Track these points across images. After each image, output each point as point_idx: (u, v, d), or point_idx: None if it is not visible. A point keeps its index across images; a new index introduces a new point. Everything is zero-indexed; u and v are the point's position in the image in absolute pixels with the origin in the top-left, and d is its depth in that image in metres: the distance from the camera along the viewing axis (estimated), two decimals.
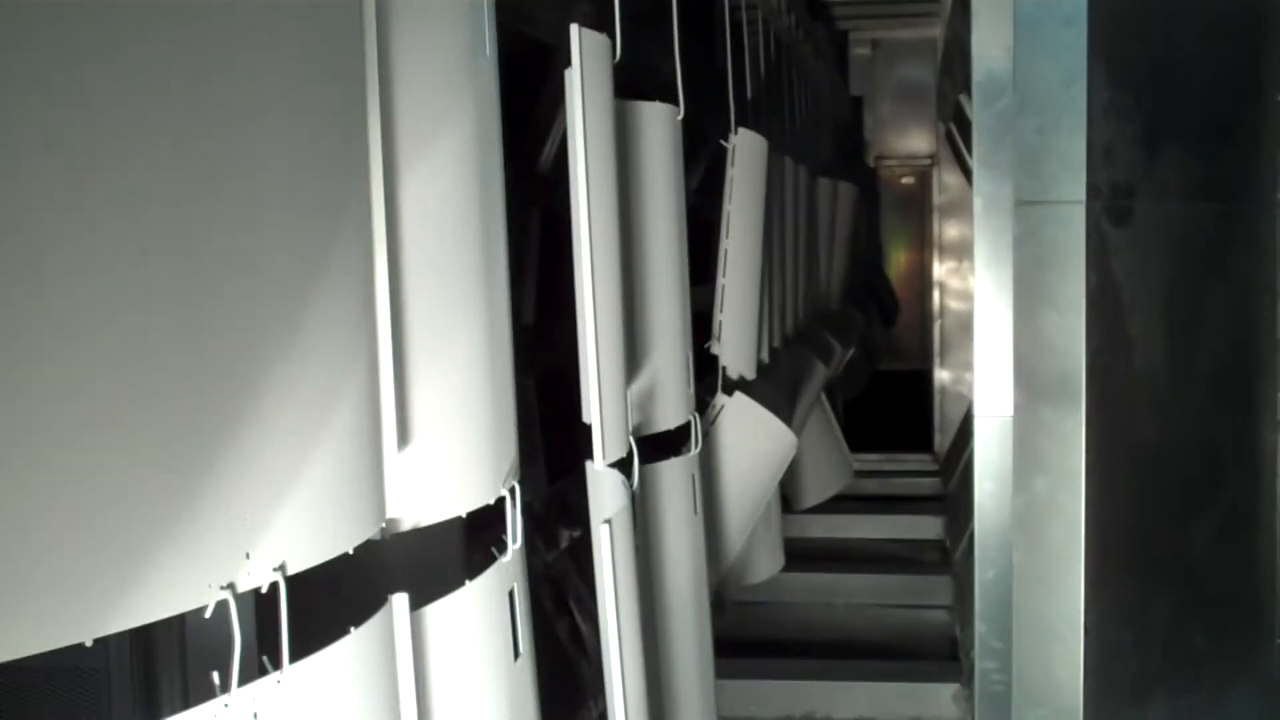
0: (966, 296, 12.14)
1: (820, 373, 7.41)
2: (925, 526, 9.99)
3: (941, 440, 12.05)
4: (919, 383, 12.24)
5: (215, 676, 1.56)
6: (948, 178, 12.07)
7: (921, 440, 12.08)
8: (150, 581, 1.48)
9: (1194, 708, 3.66)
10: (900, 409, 12.04)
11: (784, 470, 5.51)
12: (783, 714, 6.63)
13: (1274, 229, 3.81)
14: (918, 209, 12.47)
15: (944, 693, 6.78)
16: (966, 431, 11.23)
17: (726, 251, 5.10)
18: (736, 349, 5.17)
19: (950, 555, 9.05)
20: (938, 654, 7.56)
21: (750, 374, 5.33)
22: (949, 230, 12.14)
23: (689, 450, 4.15)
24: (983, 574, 4.62)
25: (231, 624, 1.54)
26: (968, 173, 11.54)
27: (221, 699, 1.56)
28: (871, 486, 10.55)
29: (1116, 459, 3.21)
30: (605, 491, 3.10)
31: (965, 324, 12.11)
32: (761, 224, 5.47)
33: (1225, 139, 3.65)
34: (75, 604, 1.41)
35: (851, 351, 8.78)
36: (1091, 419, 3.15)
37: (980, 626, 4.61)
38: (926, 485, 11.09)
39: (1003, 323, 4.57)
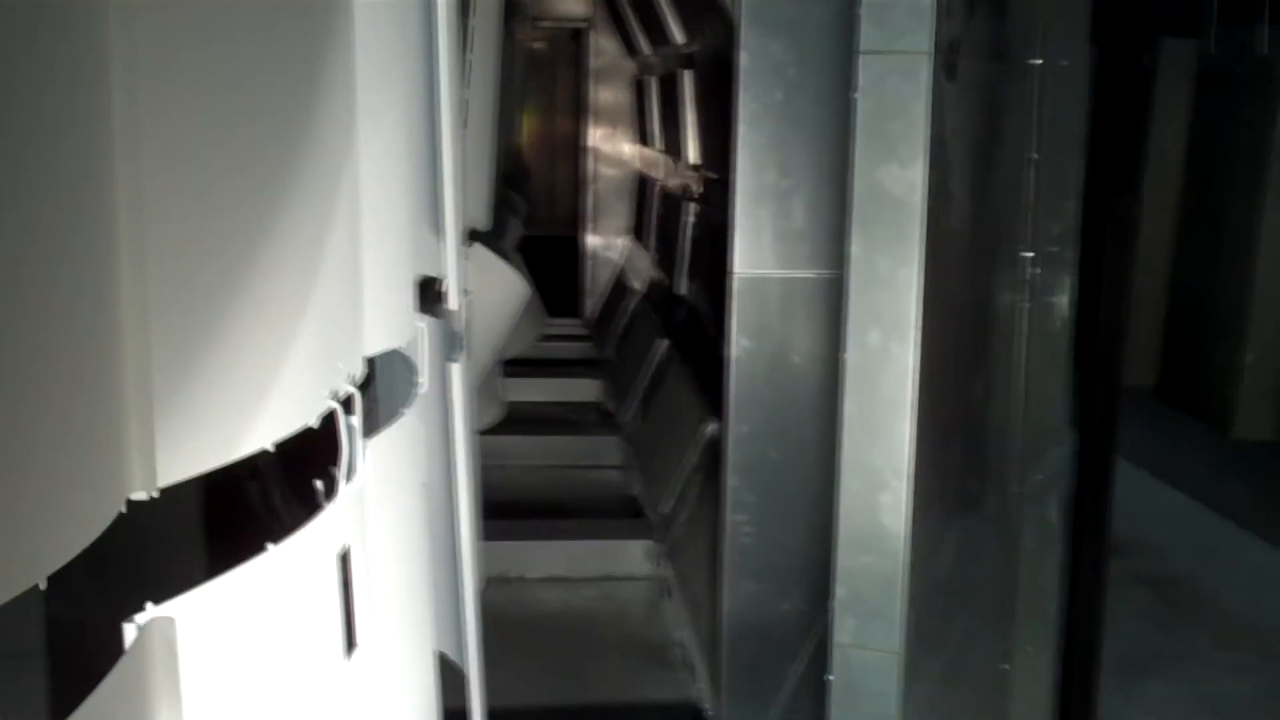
0: (619, 163, 12.21)
1: (518, 229, 7.35)
2: (582, 389, 10.11)
3: (591, 306, 12.16)
4: (566, 248, 12.28)
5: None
6: (603, 41, 12.04)
7: (569, 306, 12.14)
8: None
9: (966, 548, 3.84)
10: (548, 274, 12.07)
11: (516, 320, 5.45)
12: None
13: (1027, 91, 3.95)
14: (570, 73, 12.43)
15: (635, 549, 6.90)
16: (618, 296, 11.39)
17: (468, 102, 4.95)
18: (475, 200, 5.05)
19: (615, 418, 9.18)
20: (618, 512, 7.68)
21: (484, 225, 5.22)
22: (603, 95, 12.13)
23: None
24: (736, 429, 4.69)
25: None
26: (625, 36, 11.60)
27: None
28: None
29: (934, 312, 3.29)
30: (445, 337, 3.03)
31: (617, 190, 12.20)
32: (496, 76, 5.35)
33: None
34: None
35: (528, 211, 8.74)
36: (924, 271, 3.21)
37: (732, 480, 4.69)
38: (578, 349, 11.20)
39: (762, 185, 4.61)
